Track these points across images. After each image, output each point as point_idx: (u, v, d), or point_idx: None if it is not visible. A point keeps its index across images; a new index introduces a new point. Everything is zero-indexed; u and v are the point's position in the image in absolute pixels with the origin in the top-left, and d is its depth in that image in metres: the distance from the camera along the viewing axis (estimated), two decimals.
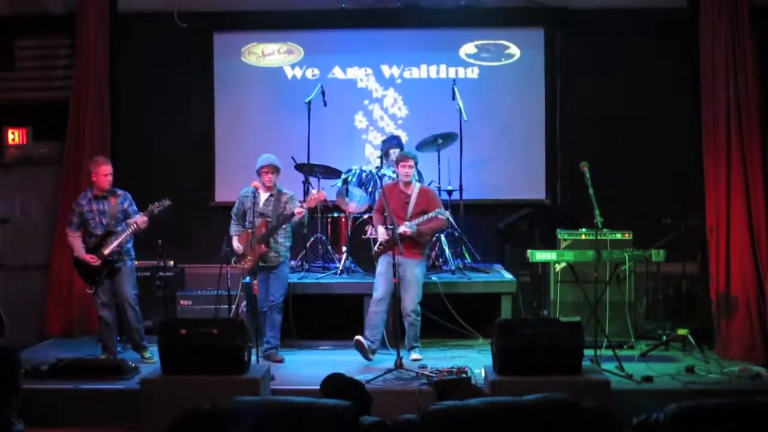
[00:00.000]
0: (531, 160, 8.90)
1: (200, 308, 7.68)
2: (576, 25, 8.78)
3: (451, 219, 7.43)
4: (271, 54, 9.04)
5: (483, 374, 5.96)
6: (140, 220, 6.73)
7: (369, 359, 6.70)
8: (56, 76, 8.79)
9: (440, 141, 8.02)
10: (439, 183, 8.11)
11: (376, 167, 8.12)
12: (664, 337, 7.31)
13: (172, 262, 7.87)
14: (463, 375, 5.91)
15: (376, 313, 6.80)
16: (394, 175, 7.58)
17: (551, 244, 7.47)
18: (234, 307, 7.17)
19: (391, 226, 6.67)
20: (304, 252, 8.07)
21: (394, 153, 7.90)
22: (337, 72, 8.98)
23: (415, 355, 6.81)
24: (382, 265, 6.88)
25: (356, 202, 7.94)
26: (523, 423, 3.00)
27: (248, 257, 6.88)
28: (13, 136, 8.73)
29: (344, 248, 7.92)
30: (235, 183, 7.93)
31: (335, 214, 8.14)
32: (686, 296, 7.49)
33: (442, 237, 7.89)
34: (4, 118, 8.75)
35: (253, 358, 6.07)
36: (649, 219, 7.68)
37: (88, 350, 7.20)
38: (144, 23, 8.82)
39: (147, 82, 8.92)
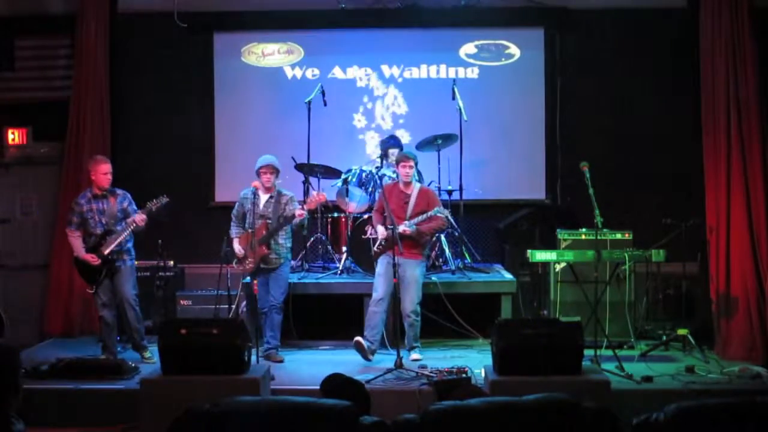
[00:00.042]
0: (531, 160, 8.90)
1: (200, 308, 7.70)
2: (576, 25, 8.78)
3: (450, 218, 7.43)
4: (271, 54, 9.04)
5: (483, 374, 5.95)
6: (139, 218, 6.72)
7: (369, 360, 6.70)
8: (56, 76, 8.79)
9: (440, 141, 8.02)
10: (439, 183, 8.11)
11: (376, 167, 8.12)
12: (664, 337, 7.31)
13: (172, 262, 7.88)
14: (463, 375, 5.92)
15: (375, 313, 6.80)
16: (394, 175, 7.59)
17: (551, 244, 7.46)
18: (234, 307, 7.17)
19: (391, 226, 6.67)
20: (304, 252, 8.07)
21: (393, 153, 7.91)
22: (337, 72, 8.98)
23: (415, 355, 6.81)
24: (382, 265, 6.88)
25: (356, 202, 7.94)
26: (523, 423, 3.00)
27: (249, 259, 6.87)
28: (13, 136, 8.73)
29: (344, 248, 7.92)
30: (235, 183, 7.94)
31: (335, 214, 8.14)
32: (686, 296, 7.48)
33: (442, 237, 7.89)
34: (4, 118, 8.76)
35: (253, 358, 6.06)
36: (649, 219, 7.69)
37: (88, 350, 7.21)
38: (144, 23, 8.83)
39: (147, 82, 8.93)
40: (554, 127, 8.85)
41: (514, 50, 8.92)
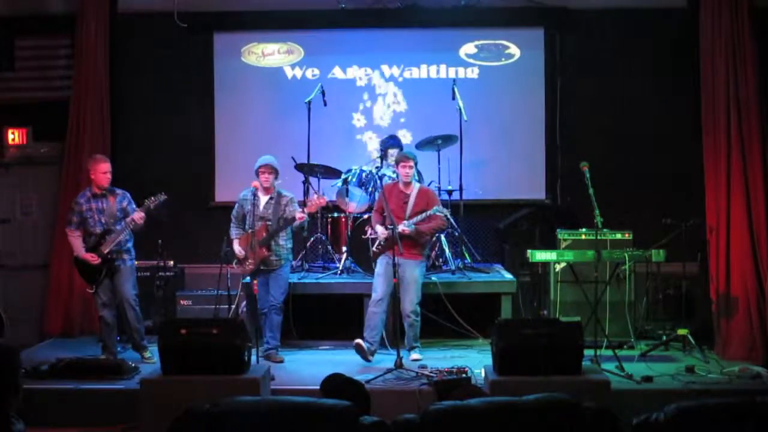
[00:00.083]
0: (531, 160, 8.90)
1: (200, 308, 7.69)
2: (576, 25, 8.78)
3: (450, 218, 7.43)
4: (271, 54, 9.04)
5: (483, 374, 5.95)
6: (137, 216, 6.72)
7: (369, 360, 6.70)
8: (56, 76, 8.79)
9: (440, 141, 8.03)
10: (439, 183, 8.11)
11: (376, 167, 8.12)
12: (664, 337, 7.31)
13: (172, 262, 7.88)
14: (463, 375, 5.92)
15: (375, 313, 6.79)
16: (394, 175, 7.58)
17: (551, 244, 7.46)
18: (234, 307, 7.17)
19: (391, 227, 6.66)
20: (304, 252, 8.07)
21: (393, 153, 7.91)
22: (337, 72, 8.98)
23: (415, 355, 6.80)
24: (381, 265, 6.88)
25: (356, 202, 7.94)
26: (523, 423, 3.00)
27: (249, 260, 6.87)
28: (13, 136, 8.73)
29: (344, 248, 7.92)
30: (235, 183, 7.94)
31: (335, 214, 8.14)
32: (686, 296, 7.47)
33: (442, 237, 7.89)
34: (4, 118, 8.75)
35: (253, 358, 6.06)
36: (649, 219, 7.68)
37: (88, 350, 7.21)
38: (144, 23, 8.83)
39: (147, 82, 8.92)
40: (554, 127, 8.85)
41: (514, 50, 8.92)
